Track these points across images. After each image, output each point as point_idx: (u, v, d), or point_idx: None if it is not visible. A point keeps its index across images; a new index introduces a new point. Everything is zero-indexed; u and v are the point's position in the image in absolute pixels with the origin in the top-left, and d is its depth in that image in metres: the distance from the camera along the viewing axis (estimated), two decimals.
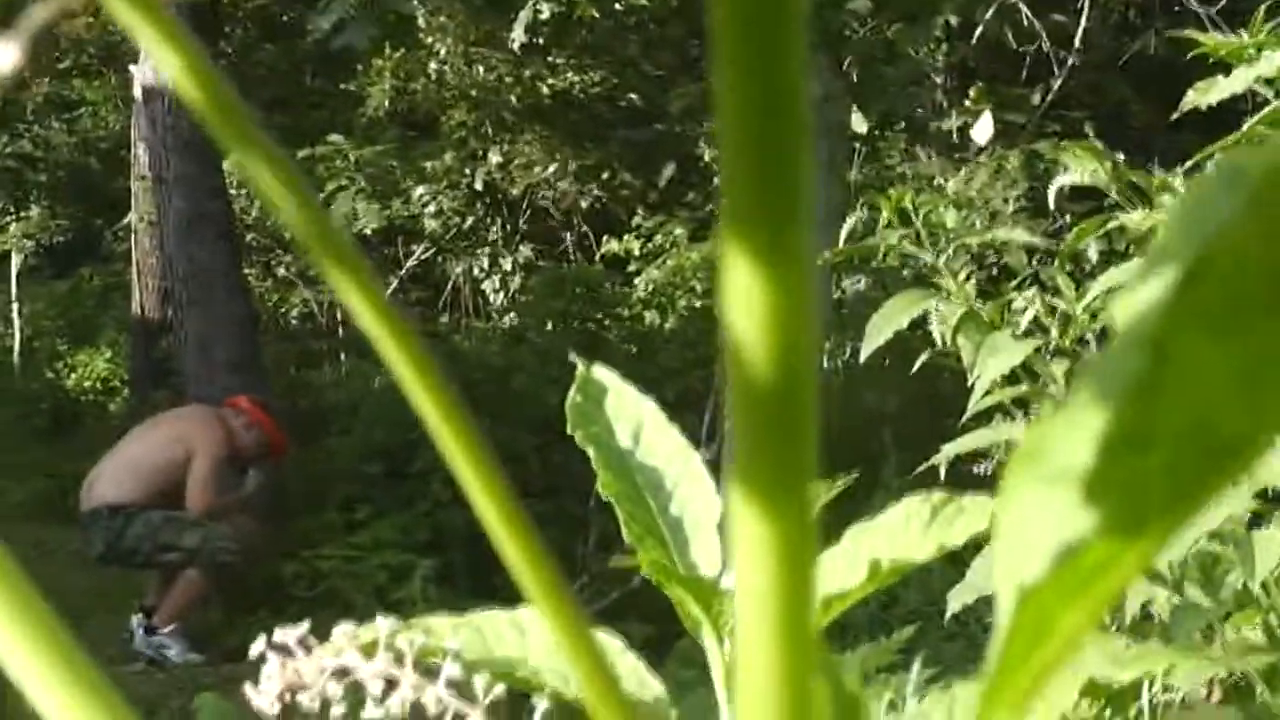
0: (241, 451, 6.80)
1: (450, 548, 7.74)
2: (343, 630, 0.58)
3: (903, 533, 0.69)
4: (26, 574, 0.32)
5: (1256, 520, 1.98)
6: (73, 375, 11.95)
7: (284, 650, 0.57)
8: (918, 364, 2.75)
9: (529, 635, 0.68)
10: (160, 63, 0.26)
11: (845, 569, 0.70)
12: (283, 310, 12.43)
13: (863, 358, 2.61)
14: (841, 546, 0.72)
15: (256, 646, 0.57)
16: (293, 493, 8.68)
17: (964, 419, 2.49)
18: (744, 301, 0.24)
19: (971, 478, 2.42)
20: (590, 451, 0.64)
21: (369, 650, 0.58)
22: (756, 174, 0.23)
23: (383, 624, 0.59)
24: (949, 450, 2.52)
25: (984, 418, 2.51)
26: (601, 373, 0.70)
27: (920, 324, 2.66)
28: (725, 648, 0.68)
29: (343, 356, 11.80)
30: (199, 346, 8.18)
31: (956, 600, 2.15)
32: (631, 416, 0.73)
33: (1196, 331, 0.22)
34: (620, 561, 0.74)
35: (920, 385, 8.35)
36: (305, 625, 0.58)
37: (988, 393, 2.40)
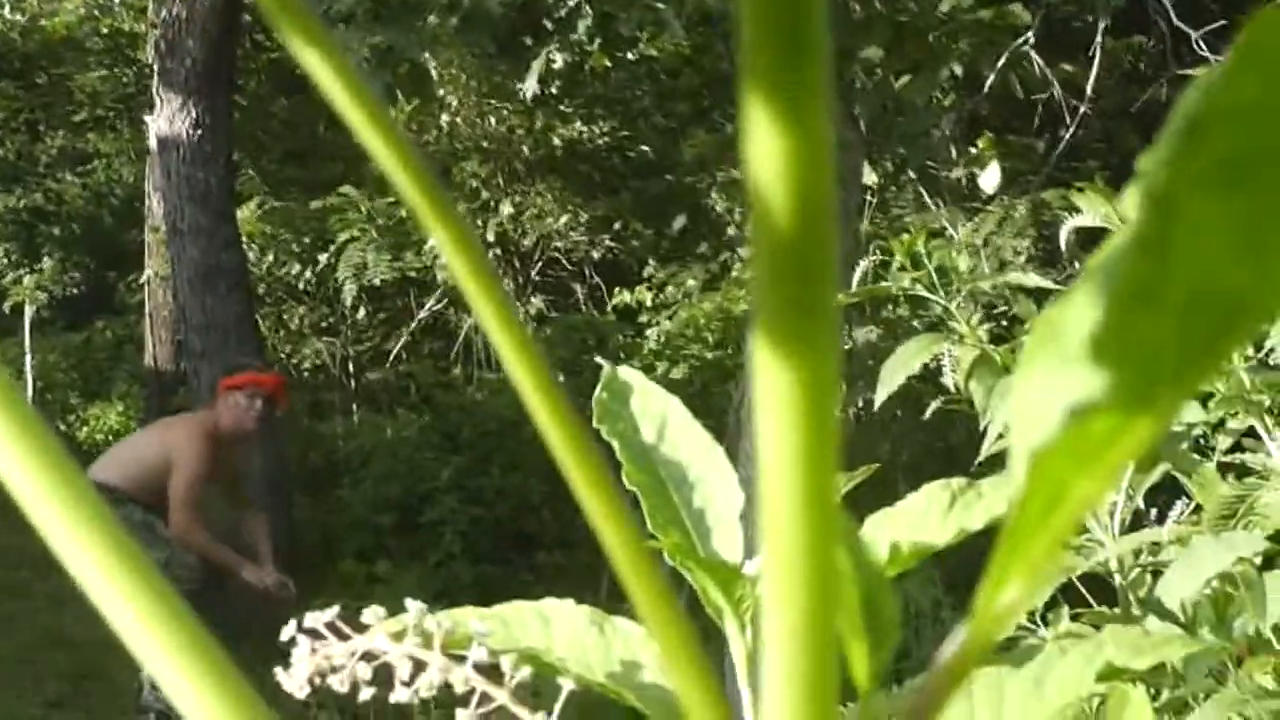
0: (232, 431, 6.70)
1: (461, 600, 7.74)
2: (372, 612, 0.60)
3: (923, 518, 0.70)
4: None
5: (1269, 563, 1.97)
6: (85, 428, 11.94)
7: (314, 634, 0.58)
8: (930, 410, 2.74)
9: (553, 625, 0.69)
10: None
11: None
12: (295, 361, 12.44)
13: (878, 403, 2.58)
14: (862, 532, 0.73)
15: (287, 631, 0.58)
16: (305, 544, 8.69)
17: (975, 465, 2.48)
18: (763, 145, 0.24)
19: None
20: (615, 445, 0.65)
21: (398, 636, 0.59)
22: (773, 21, 0.23)
23: (412, 607, 0.60)
24: None
25: (997, 464, 2.50)
26: (628, 372, 0.71)
27: (932, 375, 2.66)
28: (747, 635, 0.69)
29: (355, 408, 11.82)
30: (212, 397, 8.19)
31: None
32: (656, 413, 0.73)
33: (1201, 187, 0.23)
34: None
35: (933, 435, 8.34)
36: (335, 609, 0.59)
37: (1000, 437, 2.38)
